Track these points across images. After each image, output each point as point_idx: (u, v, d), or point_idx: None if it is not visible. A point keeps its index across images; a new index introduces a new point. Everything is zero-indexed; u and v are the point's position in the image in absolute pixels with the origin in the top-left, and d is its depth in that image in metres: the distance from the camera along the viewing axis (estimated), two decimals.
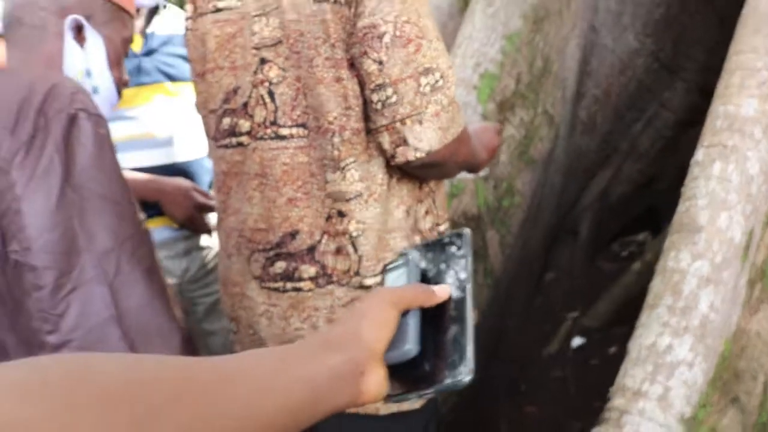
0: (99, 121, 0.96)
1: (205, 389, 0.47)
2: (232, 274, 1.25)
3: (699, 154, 1.32)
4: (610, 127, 3.17)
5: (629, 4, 2.93)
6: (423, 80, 1.02)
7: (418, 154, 1.04)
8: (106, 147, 0.96)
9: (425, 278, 0.67)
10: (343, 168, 1.09)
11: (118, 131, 1.58)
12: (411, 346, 0.60)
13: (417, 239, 1.16)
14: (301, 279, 1.15)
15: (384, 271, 0.71)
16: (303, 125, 1.11)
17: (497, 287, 2.49)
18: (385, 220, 1.12)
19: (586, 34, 2.82)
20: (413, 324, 0.61)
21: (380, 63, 1.02)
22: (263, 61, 1.11)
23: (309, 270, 1.14)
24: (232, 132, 1.18)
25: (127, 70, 1.69)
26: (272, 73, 1.11)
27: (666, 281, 1.20)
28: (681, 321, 1.16)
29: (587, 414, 2.59)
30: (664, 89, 3.19)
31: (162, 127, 1.81)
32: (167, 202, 1.69)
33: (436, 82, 1.03)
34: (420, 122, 1.02)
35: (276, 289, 1.17)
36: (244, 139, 1.17)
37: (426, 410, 1.23)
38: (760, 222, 1.42)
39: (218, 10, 1.17)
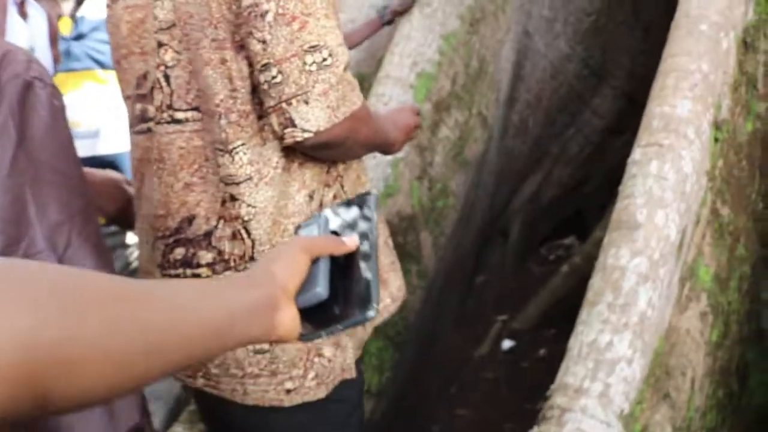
0: (54, 92, 0.92)
1: (133, 297, 0.51)
2: (144, 263, 1.23)
3: (636, 154, 1.34)
4: (541, 131, 3.22)
5: (561, 11, 2.98)
6: (308, 58, 1.00)
7: (306, 135, 1.02)
8: (60, 119, 0.93)
9: (335, 234, 0.75)
10: (232, 151, 1.07)
11: None
12: (321, 289, 0.66)
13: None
14: (199, 265, 1.14)
15: (297, 229, 0.78)
16: (197, 108, 1.09)
17: (430, 289, 2.47)
18: (283, 204, 1.11)
19: (520, 38, 2.85)
20: (323, 270, 0.67)
21: (264, 42, 0.99)
22: (160, 44, 1.10)
23: (206, 256, 1.13)
24: (143, 118, 1.16)
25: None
26: (168, 56, 1.09)
27: (606, 278, 1.21)
28: (621, 318, 1.16)
29: (519, 415, 2.60)
30: (593, 95, 3.26)
31: (90, 117, 1.72)
32: (97, 195, 1.60)
33: (324, 60, 1.01)
34: (306, 102, 1.00)
35: (177, 276, 1.16)
36: (151, 124, 1.15)
37: (349, 400, 1.22)
38: (691, 221, 1.44)
39: None
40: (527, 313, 3.05)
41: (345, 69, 1.03)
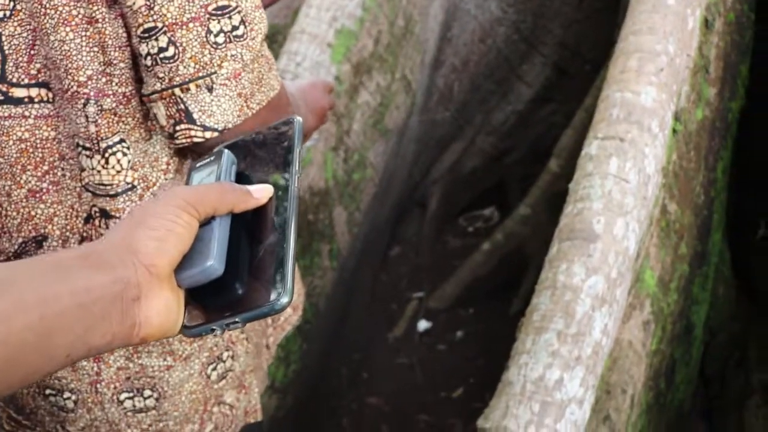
0: None
1: None
2: None
3: (592, 147, 1.14)
4: (466, 98, 3.02)
5: None
6: (214, 25, 0.70)
7: (208, 134, 0.73)
8: None
9: (244, 179, 0.55)
10: (105, 151, 0.76)
11: None
12: (213, 263, 0.48)
13: None
14: None
15: (189, 172, 0.58)
16: (45, 85, 0.76)
17: (343, 269, 2.26)
18: None
19: None
20: (219, 233, 0.50)
21: None
22: None
23: None
24: None
25: None
26: None
27: (556, 300, 1.01)
28: (573, 350, 0.97)
29: (434, 406, 2.46)
30: (521, 62, 3.08)
31: None
32: None
33: (235, 28, 0.72)
34: (210, 89, 0.72)
35: None
36: None
37: None
38: (647, 224, 1.27)
39: None
40: (444, 291, 2.88)
41: (262, 42, 0.74)
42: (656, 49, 1.20)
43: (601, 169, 1.10)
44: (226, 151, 0.57)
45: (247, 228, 0.52)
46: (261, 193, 0.53)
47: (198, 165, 0.58)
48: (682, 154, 1.54)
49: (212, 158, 0.57)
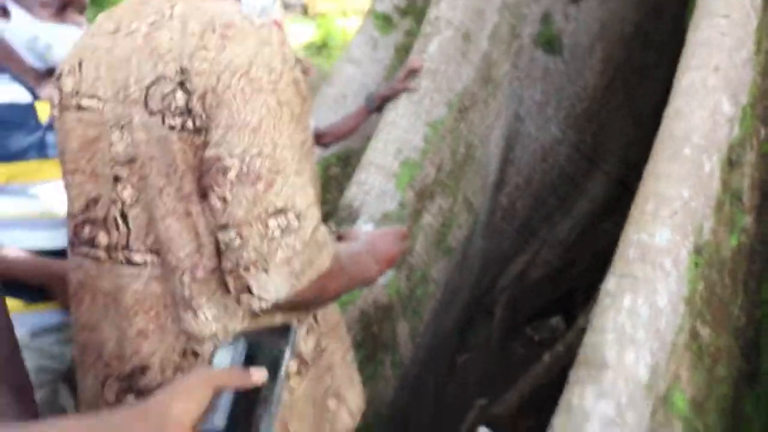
0: None
1: None
2: (89, 395, 1.12)
3: (610, 283, 1.28)
4: (530, 214, 3.18)
5: (553, 97, 2.97)
6: (272, 223, 0.92)
7: (263, 305, 0.94)
8: None
9: (252, 361, 0.80)
10: (196, 310, 0.99)
11: (13, 207, 1.47)
12: (216, 420, 0.71)
13: (297, 365, 1.08)
14: None
15: (213, 352, 0.83)
16: (157, 252, 1.01)
17: (405, 378, 2.39)
18: None
19: (510, 123, 2.83)
20: (225, 401, 0.73)
21: (224, 201, 0.92)
22: (117, 178, 1.01)
23: None
24: (91, 243, 1.07)
25: (30, 142, 1.53)
26: (126, 193, 1.01)
27: (569, 420, 1.14)
28: None
29: None
30: (584, 179, 3.23)
31: (64, 206, 1.66)
32: (60, 287, 1.53)
33: (289, 224, 0.92)
34: (266, 270, 0.92)
35: None
36: (101, 254, 1.06)
37: None
38: (665, 353, 1.38)
39: (81, 108, 1.06)
40: (507, 399, 2.95)
41: (314, 230, 0.95)
42: (671, 194, 1.35)
43: (616, 304, 1.24)
44: (241, 339, 0.83)
45: (248, 400, 0.74)
46: (257, 375, 0.75)
47: (220, 349, 0.83)
48: (715, 282, 1.65)
49: (231, 344, 0.83)
